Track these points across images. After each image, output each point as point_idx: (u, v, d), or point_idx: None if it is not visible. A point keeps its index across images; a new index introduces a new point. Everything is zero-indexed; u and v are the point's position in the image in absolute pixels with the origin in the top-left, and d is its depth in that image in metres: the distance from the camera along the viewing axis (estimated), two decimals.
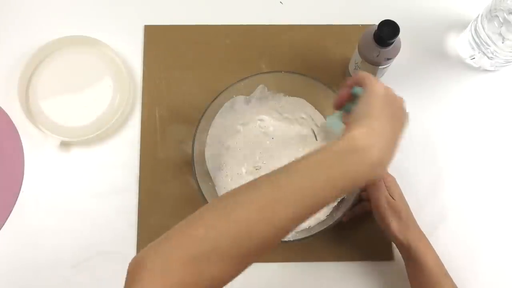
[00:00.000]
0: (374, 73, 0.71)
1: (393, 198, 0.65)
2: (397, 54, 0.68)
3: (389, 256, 0.72)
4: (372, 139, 0.47)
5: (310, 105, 0.75)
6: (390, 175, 0.68)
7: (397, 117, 0.52)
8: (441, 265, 0.63)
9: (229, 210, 0.45)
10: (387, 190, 0.65)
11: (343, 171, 0.46)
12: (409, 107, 0.78)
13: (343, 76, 0.79)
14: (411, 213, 0.66)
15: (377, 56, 0.67)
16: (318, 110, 0.75)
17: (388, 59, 0.68)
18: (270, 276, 0.72)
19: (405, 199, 0.66)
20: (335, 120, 0.60)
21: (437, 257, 0.63)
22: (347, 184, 0.46)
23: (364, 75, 0.54)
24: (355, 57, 0.71)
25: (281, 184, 0.46)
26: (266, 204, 0.45)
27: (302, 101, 0.75)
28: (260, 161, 0.74)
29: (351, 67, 0.75)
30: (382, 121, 0.49)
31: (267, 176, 0.47)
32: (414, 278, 0.64)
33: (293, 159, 0.48)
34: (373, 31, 0.65)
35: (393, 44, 0.66)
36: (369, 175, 0.47)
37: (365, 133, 0.47)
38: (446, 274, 0.62)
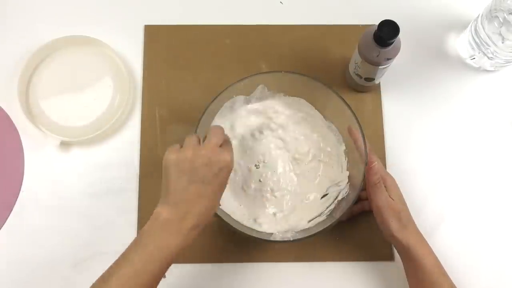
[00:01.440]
0: (374, 73, 0.71)
1: (392, 199, 0.65)
2: (397, 54, 0.68)
3: (389, 256, 0.72)
4: (173, 212, 0.54)
5: (310, 105, 0.75)
6: (390, 176, 0.68)
7: (207, 178, 0.55)
8: (439, 265, 0.63)
9: None
10: (387, 191, 0.65)
11: (157, 246, 0.53)
12: (409, 107, 0.79)
13: (343, 76, 0.79)
14: (410, 214, 0.66)
15: (377, 56, 0.67)
16: (318, 110, 0.75)
17: (388, 59, 0.68)
18: (270, 276, 0.72)
19: (404, 200, 0.66)
20: None
21: (435, 257, 0.63)
22: (164, 255, 0.53)
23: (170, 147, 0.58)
24: (355, 57, 0.71)
25: (106, 279, 0.53)
26: None
27: (302, 101, 0.75)
28: (261, 159, 0.74)
29: (351, 67, 0.75)
30: (178, 189, 0.54)
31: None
32: (413, 278, 0.64)
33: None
34: (373, 31, 0.66)
35: (393, 44, 0.66)
36: (185, 240, 0.54)
37: (166, 209, 0.54)
38: (444, 274, 0.62)
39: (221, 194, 0.58)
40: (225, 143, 0.59)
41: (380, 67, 0.69)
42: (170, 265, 0.54)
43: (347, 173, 0.72)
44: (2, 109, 0.77)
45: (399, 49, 0.68)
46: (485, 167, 0.76)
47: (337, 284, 0.72)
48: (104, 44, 0.78)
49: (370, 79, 0.74)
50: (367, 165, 0.65)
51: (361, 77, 0.74)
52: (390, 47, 0.66)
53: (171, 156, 0.56)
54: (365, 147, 0.66)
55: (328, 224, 0.66)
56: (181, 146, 0.58)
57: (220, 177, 0.56)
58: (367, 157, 0.66)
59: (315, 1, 0.84)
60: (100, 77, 0.78)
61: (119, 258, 0.54)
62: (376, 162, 0.66)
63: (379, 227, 0.66)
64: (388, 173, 0.68)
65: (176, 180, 0.55)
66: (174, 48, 0.81)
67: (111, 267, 0.53)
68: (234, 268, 0.72)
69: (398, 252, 0.66)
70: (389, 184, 0.66)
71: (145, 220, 0.72)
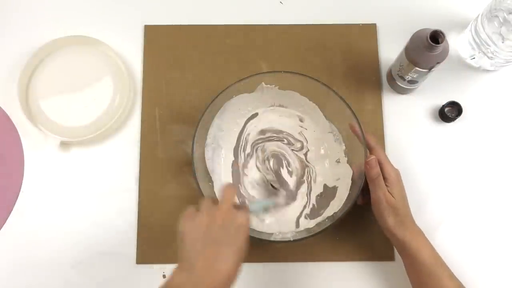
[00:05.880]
0: (421, 77, 0.71)
1: (390, 194, 0.64)
2: (446, 57, 0.67)
3: (389, 257, 0.72)
4: (186, 278, 0.52)
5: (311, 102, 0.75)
6: (393, 170, 0.66)
7: (223, 240, 0.54)
8: (436, 256, 0.62)
9: None
10: (387, 187, 0.65)
11: None
12: (409, 107, 0.79)
13: (343, 76, 0.79)
14: (409, 210, 0.65)
15: (427, 60, 0.67)
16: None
17: (438, 63, 0.68)
18: (270, 276, 0.72)
19: (404, 195, 0.66)
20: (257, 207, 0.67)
21: (432, 249, 0.63)
22: None
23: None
24: (401, 59, 0.70)
25: None
26: None
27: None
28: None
29: (394, 69, 0.74)
30: (193, 255, 0.53)
31: None
32: (412, 273, 0.64)
33: None
34: (423, 35, 0.65)
35: (442, 47, 0.65)
36: None
37: (179, 276, 0.53)
38: (442, 265, 0.62)
39: (242, 257, 0.55)
40: (241, 205, 0.59)
41: (430, 71, 0.69)
42: None
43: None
44: (2, 109, 0.77)
45: (448, 52, 0.67)
46: (485, 166, 0.76)
47: (337, 284, 0.72)
48: (104, 44, 0.78)
49: (414, 82, 0.73)
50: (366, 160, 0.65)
51: (404, 80, 0.73)
52: (440, 50, 0.66)
53: (186, 223, 0.55)
54: (365, 145, 0.66)
55: (328, 224, 0.66)
56: (196, 208, 0.57)
57: (237, 238, 0.54)
58: (366, 152, 0.66)
59: (315, 1, 0.84)
60: (100, 77, 0.78)
61: None
62: (373, 157, 0.65)
63: (378, 221, 0.66)
64: (392, 167, 0.66)
65: (190, 246, 0.54)
66: (174, 48, 0.81)
67: None
68: None
69: (395, 247, 0.66)
70: (391, 179, 0.65)
71: (145, 221, 0.73)
